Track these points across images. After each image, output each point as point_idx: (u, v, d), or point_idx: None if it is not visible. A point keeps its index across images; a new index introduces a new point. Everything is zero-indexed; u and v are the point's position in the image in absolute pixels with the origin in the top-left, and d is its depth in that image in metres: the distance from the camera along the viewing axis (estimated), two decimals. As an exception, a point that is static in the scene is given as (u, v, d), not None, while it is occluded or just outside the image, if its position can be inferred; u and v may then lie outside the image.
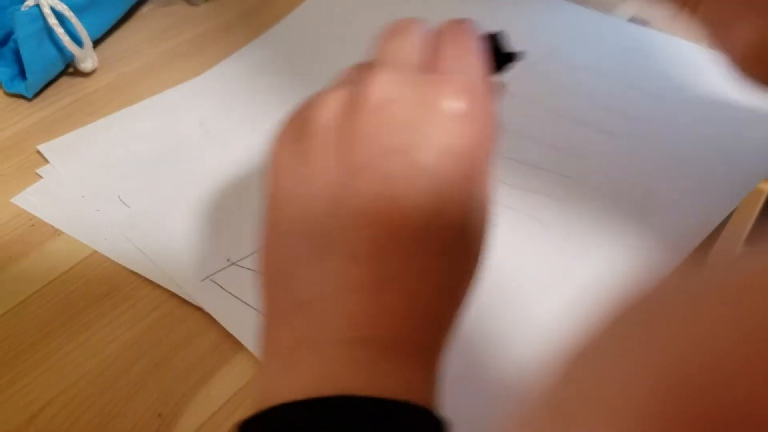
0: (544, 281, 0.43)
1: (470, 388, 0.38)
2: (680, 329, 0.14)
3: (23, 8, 0.53)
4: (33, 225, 0.46)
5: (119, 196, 0.48)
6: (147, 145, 0.52)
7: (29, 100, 0.56)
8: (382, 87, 0.29)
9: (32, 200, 0.48)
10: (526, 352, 0.40)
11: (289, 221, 0.30)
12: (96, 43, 0.58)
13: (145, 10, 0.65)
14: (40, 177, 0.49)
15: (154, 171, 0.50)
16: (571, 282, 0.43)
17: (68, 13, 0.54)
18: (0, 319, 0.41)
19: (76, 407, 0.37)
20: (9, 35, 0.56)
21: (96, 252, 0.44)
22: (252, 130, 0.53)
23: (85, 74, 0.58)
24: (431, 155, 0.28)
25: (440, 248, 0.29)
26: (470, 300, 0.31)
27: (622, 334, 0.15)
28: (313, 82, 0.57)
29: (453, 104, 0.29)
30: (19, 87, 0.55)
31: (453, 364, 0.37)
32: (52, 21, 0.53)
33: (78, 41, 0.55)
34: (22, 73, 0.55)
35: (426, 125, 0.28)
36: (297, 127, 0.31)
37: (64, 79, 0.58)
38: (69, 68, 0.58)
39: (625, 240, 0.44)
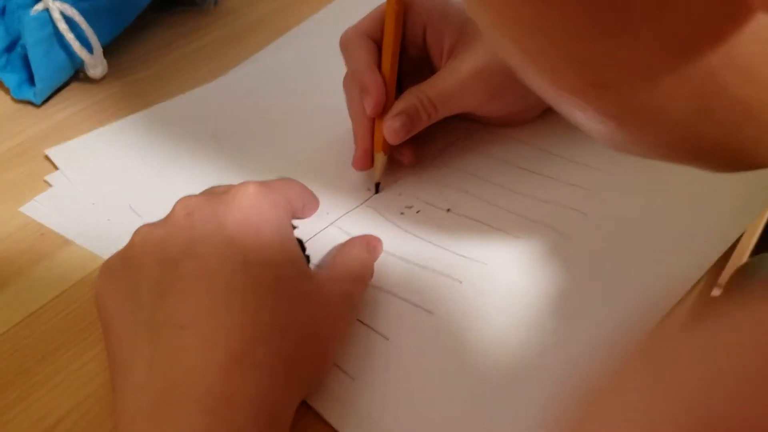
0: (571, 305, 0.41)
1: (489, 411, 0.37)
2: (702, 366, 0.14)
3: (32, 13, 0.52)
4: (43, 234, 0.45)
5: (130, 205, 0.46)
6: (158, 152, 0.51)
7: (38, 106, 0.55)
8: (184, 204, 0.36)
9: (41, 209, 0.46)
10: (547, 378, 0.38)
11: (126, 325, 0.33)
12: (106, 49, 0.57)
13: (155, 16, 0.64)
14: (49, 185, 0.48)
15: (165, 179, 0.48)
16: (600, 306, 0.41)
17: (78, 18, 0.53)
18: (10, 332, 0.39)
19: (89, 423, 0.35)
20: (17, 40, 0.54)
21: (108, 262, 0.43)
22: (265, 138, 0.51)
23: (94, 81, 0.57)
24: (233, 232, 0.34)
25: (253, 301, 0.33)
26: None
27: (647, 370, 0.16)
28: (325, 90, 0.57)
29: (241, 193, 0.36)
30: (28, 93, 0.54)
31: (468, 385, 0.36)
32: (62, 26, 0.52)
33: (88, 47, 0.54)
34: (30, 80, 0.54)
35: (224, 215, 0.35)
36: (117, 262, 0.36)
37: (74, 86, 0.57)
38: (78, 74, 0.57)
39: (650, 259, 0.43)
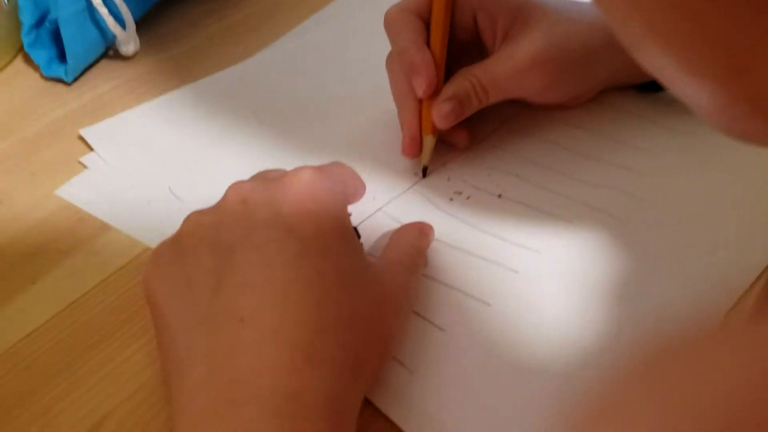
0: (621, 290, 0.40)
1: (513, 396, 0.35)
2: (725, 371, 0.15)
3: (64, -13, 0.50)
4: (80, 218, 0.43)
5: (170, 188, 0.45)
6: (196, 132, 0.49)
7: (68, 84, 0.53)
8: (237, 189, 0.34)
9: (78, 192, 0.45)
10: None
11: (180, 318, 0.31)
12: (137, 25, 0.55)
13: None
14: (85, 166, 0.47)
15: (204, 160, 0.47)
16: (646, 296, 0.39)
17: (111, -8, 0.51)
18: (51, 322, 0.38)
19: (139, 420, 0.34)
20: (45, 15, 0.53)
21: (149, 248, 0.41)
22: (306, 117, 0.50)
23: (125, 58, 0.55)
24: (291, 221, 0.32)
25: (317, 293, 0.31)
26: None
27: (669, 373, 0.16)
28: (368, 68, 0.55)
29: (298, 179, 0.34)
30: (58, 71, 0.52)
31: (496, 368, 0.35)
32: (96, 0, 0.50)
33: (121, 22, 0.52)
34: (60, 56, 0.53)
35: (281, 202, 0.33)
36: (167, 250, 0.34)
37: (104, 64, 0.55)
38: (108, 52, 0.55)
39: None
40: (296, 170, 0.35)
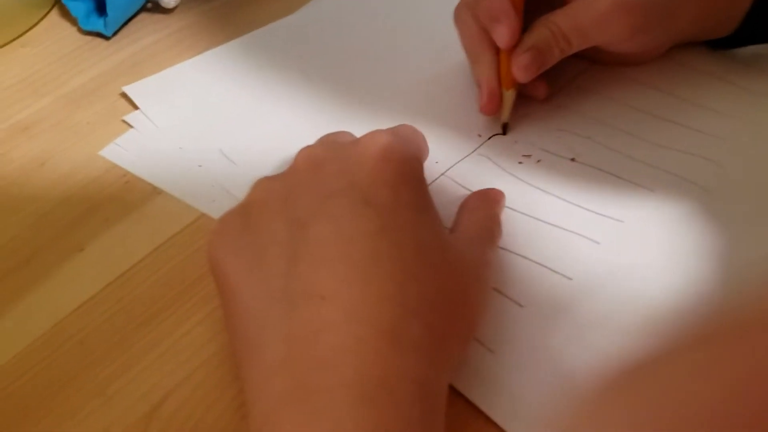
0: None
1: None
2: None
3: (103, -67, 0.47)
4: (128, 182, 0.41)
5: (221, 150, 0.42)
6: (243, 90, 0.46)
7: (107, 39, 0.50)
8: (308, 155, 0.32)
9: (123, 153, 0.42)
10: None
11: (252, 293, 0.29)
12: (178, -25, 0.52)
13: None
14: (129, 125, 0.44)
15: (255, 120, 0.44)
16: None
17: (152, -61, 0.48)
18: (101, 295, 0.35)
19: (202, 398, 0.32)
20: (81, -35, 0.50)
21: (204, 215, 0.39)
22: (358, 75, 0.47)
23: (166, 11, 0.52)
24: (368, 191, 0.30)
25: (399, 270, 0.28)
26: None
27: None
28: (426, 21, 0.52)
29: (374, 145, 0.31)
30: (97, 24, 0.49)
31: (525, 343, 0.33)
32: (137, -52, 0.47)
33: (162, -28, 0.49)
34: (98, 9, 0.50)
35: (356, 170, 0.30)
36: (235, 220, 0.31)
37: (144, 17, 0.52)
38: (148, 4, 0.52)
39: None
40: (370, 135, 0.32)
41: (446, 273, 0.30)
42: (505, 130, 0.43)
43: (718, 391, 0.14)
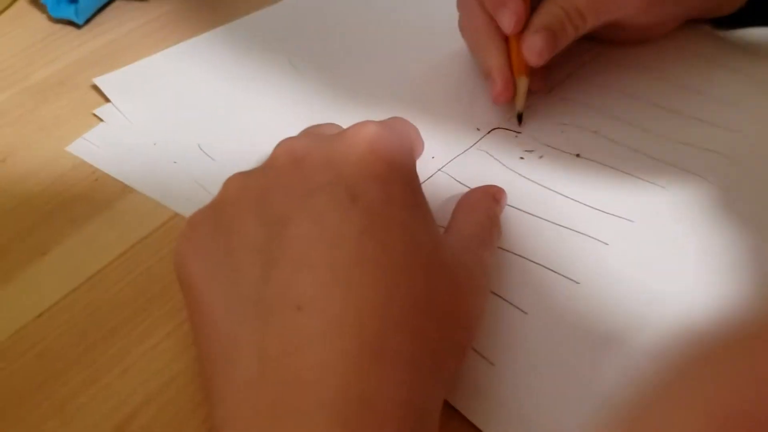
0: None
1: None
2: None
3: None
4: (97, 179, 0.37)
5: (199, 145, 0.39)
6: (224, 82, 0.43)
7: (79, 27, 0.47)
8: (288, 147, 0.29)
9: (93, 149, 0.39)
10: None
11: (222, 303, 0.26)
12: (155, -40, 0.49)
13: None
14: (100, 119, 0.41)
15: (236, 113, 0.41)
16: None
17: None
18: (67, 300, 0.32)
19: (174, 415, 0.28)
20: (52, -51, 0.46)
21: (178, 215, 0.36)
22: (348, 65, 0.44)
23: (142, -2, 0.49)
24: (354, 186, 0.27)
25: (386, 275, 0.25)
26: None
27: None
28: (420, 8, 0.49)
29: (362, 136, 0.28)
30: (68, 11, 0.46)
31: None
32: (110, -71, 0.44)
33: (138, -44, 0.46)
34: (70, -5, 0.46)
35: (341, 163, 0.27)
36: (205, 221, 0.28)
37: (119, 4, 0.49)
38: (123, -9, 0.49)
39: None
40: (358, 125, 0.29)
41: (439, 277, 0.27)
42: (520, 120, 0.40)
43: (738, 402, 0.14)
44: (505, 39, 0.39)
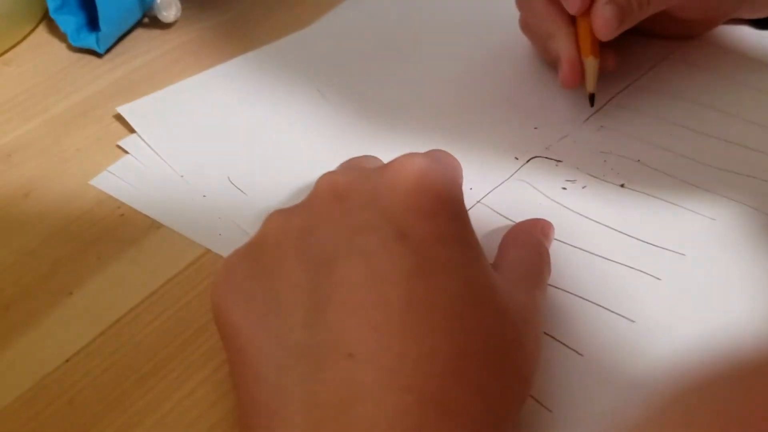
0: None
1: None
2: None
3: (96, -59, 0.42)
4: (123, 215, 0.36)
5: (229, 178, 0.37)
6: (251, 111, 0.42)
7: (100, 56, 0.46)
8: (330, 182, 0.27)
9: (117, 182, 0.38)
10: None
11: (265, 351, 0.24)
12: (177, -12, 0.48)
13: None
14: (124, 151, 0.39)
15: (265, 144, 0.40)
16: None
17: (150, -53, 0.43)
18: (94, 344, 0.31)
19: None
20: (72, -23, 0.45)
21: (209, 252, 0.34)
22: (377, 92, 0.42)
23: (165, 26, 0.48)
24: (402, 223, 0.25)
25: (442, 319, 0.24)
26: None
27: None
28: (447, 22, 0.47)
29: (408, 170, 0.26)
30: (89, 40, 0.45)
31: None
32: (133, -44, 0.43)
33: (161, -17, 0.45)
34: (90, 23, 0.45)
35: (387, 199, 0.26)
36: (244, 262, 0.27)
37: (140, 32, 0.48)
38: (144, 19, 0.48)
39: None
40: (403, 158, 0.27)
41: (495, 322, 0.25)
42: (592, 101, 0.40)
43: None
44: (570, 23, 0.39)
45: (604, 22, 0.37)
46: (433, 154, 0.30)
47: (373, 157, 0.33)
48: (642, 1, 0.38)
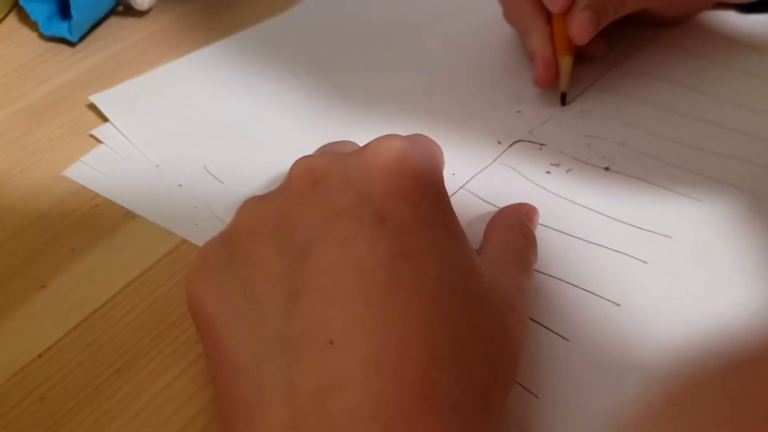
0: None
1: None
2: None
3: (66, -74, 0.41)
4: (97, 205, 0.35)
5: (205, 167, 0.37)
6: (227, 98, 0.41)
7: (72, 45, 0.45)
8: (305, 167, 0.26)
9: (91, 172, 0.37)
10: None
11: (242, 342, 0.24)
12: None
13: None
14: (98, 140, 0.38)
15: (242, 131, 0.39)
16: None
17: (121, -68, 0.42)
18: (67, 338, 0.30)
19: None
20: (43, -36, 0.44)
21: (185, 241, 0.33)
22: (355, 75, 0.42)
23: (138, 14, 0.47)
24: (381, 206, 0.24)
25: (425, 305, 0.23)
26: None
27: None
28: (428, 8, 0.47)
29: (386, 152, 0.25)
30: (61, 29, 0.44)
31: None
32: (104, -58, 0.41)
33: (134, -31, 0.44)
34: (62, 11, 0.44)
35: (365, 182, 0.25)
36: (218, 251, 0.26)
37: (113, 20, 0.47)
38: (116, 8, 0.47)
39: None
40: (380, 140, 0.26)
41: (479, 307, 0.24)
42: (564, 100, 0.40)
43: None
44: (547, 21, 0.39)
45: (582, 29, 0.38)
46: (412, 137, 0.29)
47: (350, 142, 0.32)
48: (617, 5, 0.38)
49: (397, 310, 0.23)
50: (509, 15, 0.43)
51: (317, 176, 0.26)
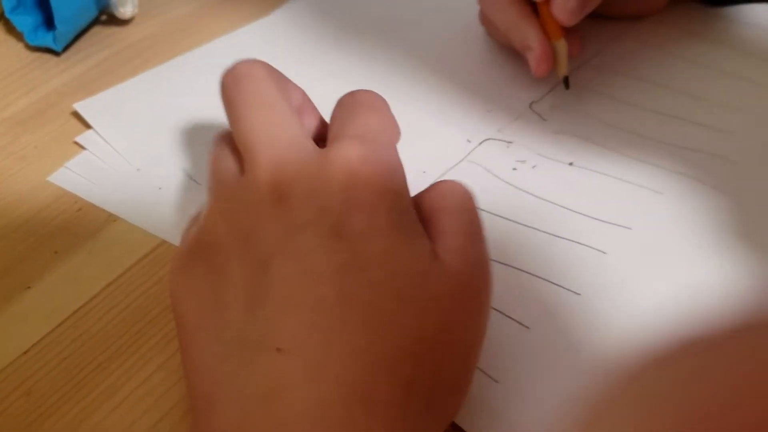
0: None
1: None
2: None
3: (48, -61, 0.43)
4: (80, 209, 0.36)
5: (184, 169, 0.38)
6: (208, 104, 0.42)
7: (57, 54, 0.46)
8: (271, 176, 0.26)
9: (75, 178, 0.38)
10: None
11: (206, 344, 0.25)
12: (133, -16, 0.48)
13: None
14: (81, 147, 0.40)
15: (221, 136, 0.40)
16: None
17: (102, -56, 0.44)
18: (53, 335, 0.31)
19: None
20: (28, -24, 0.46)
21: (165, 242, 0.35)
22: (333, 77, 0.43)
23: (122, 23, 0.48)
24: (338, 219, 0.25)
25: (373, 315, 0.24)
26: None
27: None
28: (403, 13, 0.48)
29: (342, 162, 0.26)
30: (46, 39, 0.45)
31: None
32: (85, -46, 0.43)
33: (115, -20, 0.45)
34: (46, 22, 0.46)
35: (325, 193, 0.25)
36: (190, 256, 0.27)
37: (97, 30, 0.48)
38: (102, 16, 0.48)
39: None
40: (338, 148, 0.26)
41: (432, 311, 0.25)
42: (567, 83, 0.41)
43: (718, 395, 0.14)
44: (533, 12, 0.40)
45: (567, 11, 0.38)
46: (367, 132, 0.28)
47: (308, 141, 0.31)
48: None
49: (346, 319, 0.24)
50: (491, 14, 0.42)
51: (283, 192, 0.26)
